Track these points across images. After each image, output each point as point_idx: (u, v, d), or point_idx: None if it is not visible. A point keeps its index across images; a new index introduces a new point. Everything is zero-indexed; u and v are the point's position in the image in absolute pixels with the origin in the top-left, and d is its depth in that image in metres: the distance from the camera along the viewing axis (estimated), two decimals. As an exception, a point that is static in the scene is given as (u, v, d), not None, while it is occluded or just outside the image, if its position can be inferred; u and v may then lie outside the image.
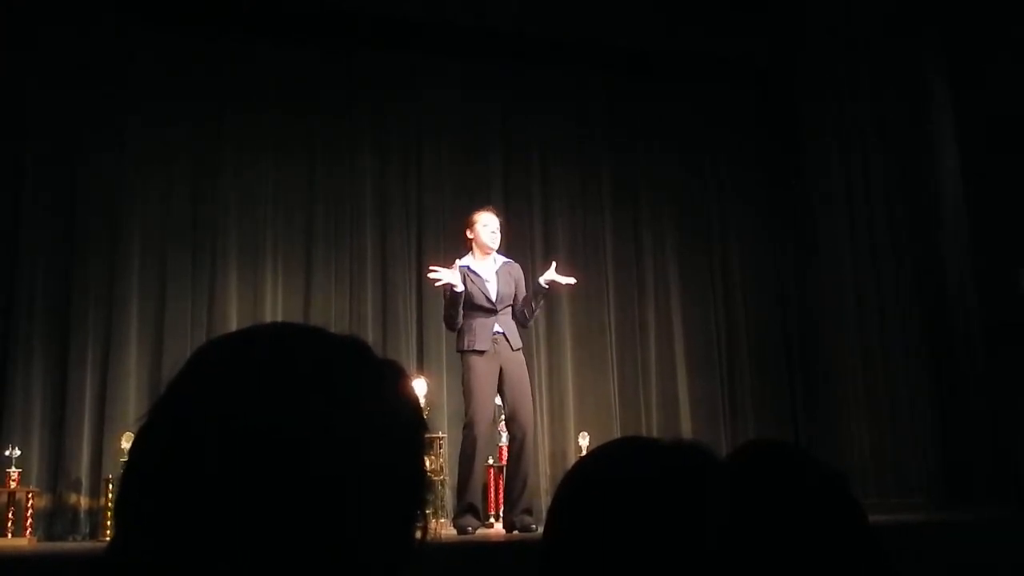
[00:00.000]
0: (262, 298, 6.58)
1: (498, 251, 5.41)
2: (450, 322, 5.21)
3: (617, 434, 6.62)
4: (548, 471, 6.86)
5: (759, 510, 1.15)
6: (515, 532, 5.01)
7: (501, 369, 5.11)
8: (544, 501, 6.23)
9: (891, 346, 6.80)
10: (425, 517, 0.75)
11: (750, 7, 7.43)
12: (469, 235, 5.31)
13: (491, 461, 5.99)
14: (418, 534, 0.74)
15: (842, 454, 6.69)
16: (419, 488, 0.75)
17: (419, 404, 0.78)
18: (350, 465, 0.68)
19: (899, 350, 6.75)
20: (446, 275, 5.05)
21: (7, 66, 6.26)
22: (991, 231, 6.46)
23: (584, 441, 6.52)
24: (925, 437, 6.53)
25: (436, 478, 5.96)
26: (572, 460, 5.67)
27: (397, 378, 0.76)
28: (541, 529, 5.20)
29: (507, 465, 5.29)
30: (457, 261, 5.24)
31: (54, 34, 6.41)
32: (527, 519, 5.06)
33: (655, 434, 6.07)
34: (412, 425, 0.76)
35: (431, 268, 5.19)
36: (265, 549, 0.65)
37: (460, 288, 5.04)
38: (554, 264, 5.40)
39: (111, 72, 6.47)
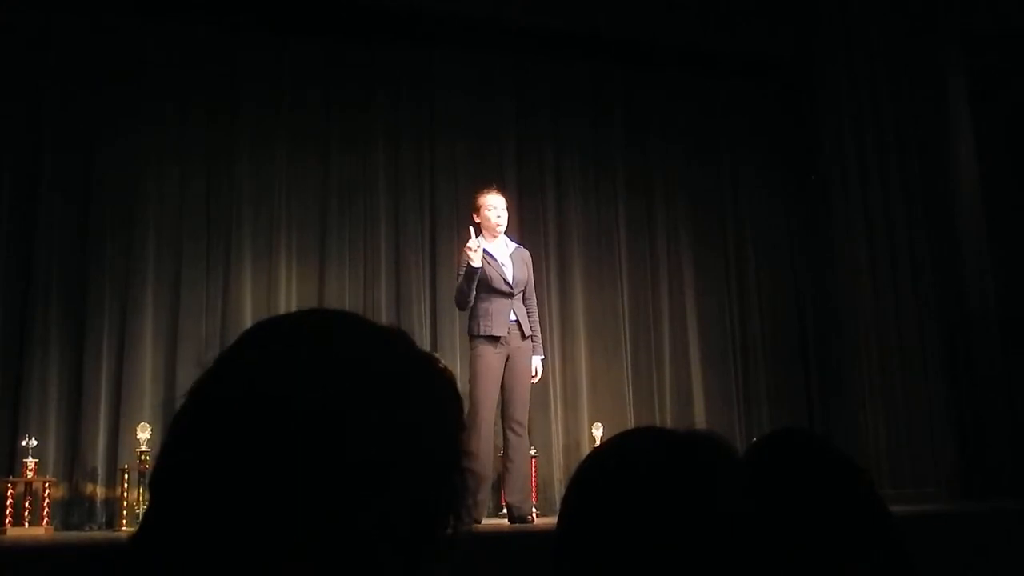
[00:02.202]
0: (276, 288, 6.60)
1: (509, 236, 5.41)
2: (462, 300, 5.17)
3: (631, 425, 6.62)
4: (562, 462, 6.85)
5: (782, 495, 1.15)
6: (513, 522, 5.02)
7: (507, 357, 5.11)
8: (558, 491, 6.23)
9: (908, 337, 6.77)
10: (460, 509, 0.74)
11: (767, 1, 7.38)
12: (476, 219, 5.31)
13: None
14: (452, 527, 0.74)
15: (858, 445, 6.67)
16: (456, 480, 0.75)
17: (461, 400, 0.78)
18: (390, 451, 0.69)
19: (915, 342, 6.72)
20: (474, 251, 5.02)
21: (23, 62, 6.29)
22: (1009, 226, 6.42)
23: (598, 432, 6.52)
24: (942, 430, 6.50)
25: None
26: (586, 451, 5.69)
27: (440, 371, 0.77)
28: (536, 520, 5.21)
29: (504, 453, 5.28)
30: (480, 238, 5.21)
31: (68, 29, 6.44)
32: (524, 508, 5.06)
33: (669, 425, 6.06)
34: (453, 419, 0.76)
35: (468, 244, 5.10)
36: (299, 530, 0.65)
37: (477, 264, 5.03)
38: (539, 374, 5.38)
39: (126, 65, 6.48)
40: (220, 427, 0.67)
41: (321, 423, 0.67)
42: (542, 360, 5.39)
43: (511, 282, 5.15)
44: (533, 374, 5.28)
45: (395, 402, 0.71)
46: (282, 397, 0.67)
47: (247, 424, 0.67)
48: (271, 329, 0.75)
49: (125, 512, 5.59)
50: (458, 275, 5.24)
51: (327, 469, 0.66)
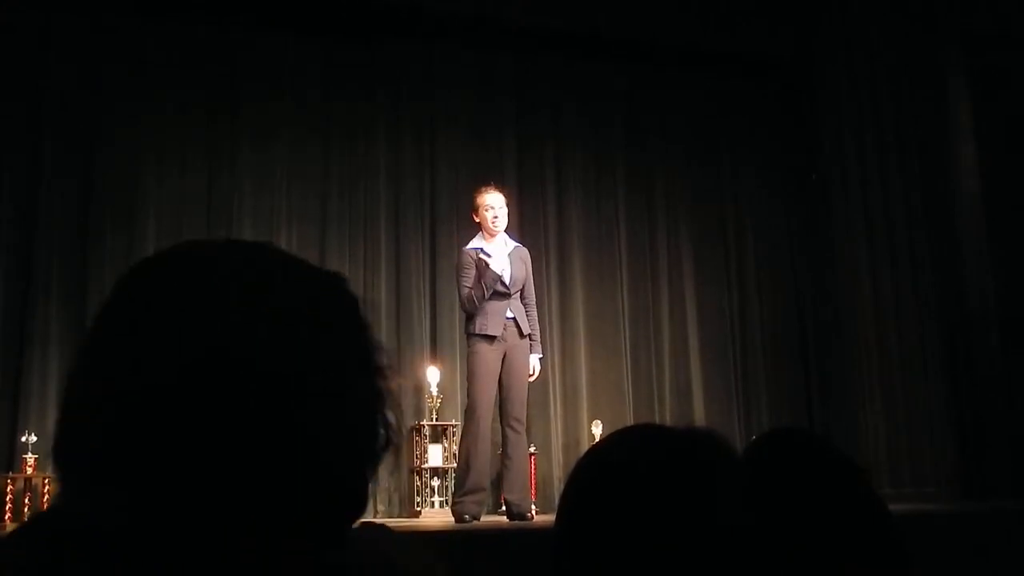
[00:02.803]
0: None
1: (509, 234, 5.40)
2: (471, 306, 5.16)
3: (630, 422, 6.61)
4: (562, 460, 6.86)
5: (781, 495, 1.15)
6: (512, 520, 5.02)
7: (505, 355, 5.12)
8: (557, 489, 6.23)
9: (908, 337, 6.76)
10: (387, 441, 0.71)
11: (767, 1, 7.38)
12: (476, 218, 5.31)
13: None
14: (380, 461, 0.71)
15: (857, 444, 6.67)
16: (376, 406, 0.71)
17: (367, 317, 0.74)
18: (306, 381, 0.66)
19: (915, 342, 6.71)
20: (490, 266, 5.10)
21: (23, 62, 6.29)
22: (1009, 226, 6.41)
23: (597, 430, 6.52)
24: (942, 430, 6.50)
25: (447, 466, 6.00)
26: (586, 449, 5.68)
27: (342, 289, 0.74)
28: (536, 517, 5.22)
29: (502, 451, 5.27)
30: (479, 236, 5.25)
31: (68, 29, 6.45)
32: (523, 505, 5.06)
33: (668, 422, 6.06)
34: (359, 331, 0.73)
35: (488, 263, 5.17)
36: (296, 502, 0.64)
37: (497, 267, 5.12)
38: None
39: (126, 65, 6.49)
40: (143, 376, 0.63)
41: (237, 361, 0.64)
42: (540, 359, 5.39)
43: (507, 282, 5.16)
44: (531, 372, 5.28)
45: (306, 325, 0.68)
46: (193, 336, 0.63)
47: (178, 375, 0.63)
48: (168, 268, 0.69)
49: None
50: (459, 275, 5.23)
51: (240, 403, 0.63)
